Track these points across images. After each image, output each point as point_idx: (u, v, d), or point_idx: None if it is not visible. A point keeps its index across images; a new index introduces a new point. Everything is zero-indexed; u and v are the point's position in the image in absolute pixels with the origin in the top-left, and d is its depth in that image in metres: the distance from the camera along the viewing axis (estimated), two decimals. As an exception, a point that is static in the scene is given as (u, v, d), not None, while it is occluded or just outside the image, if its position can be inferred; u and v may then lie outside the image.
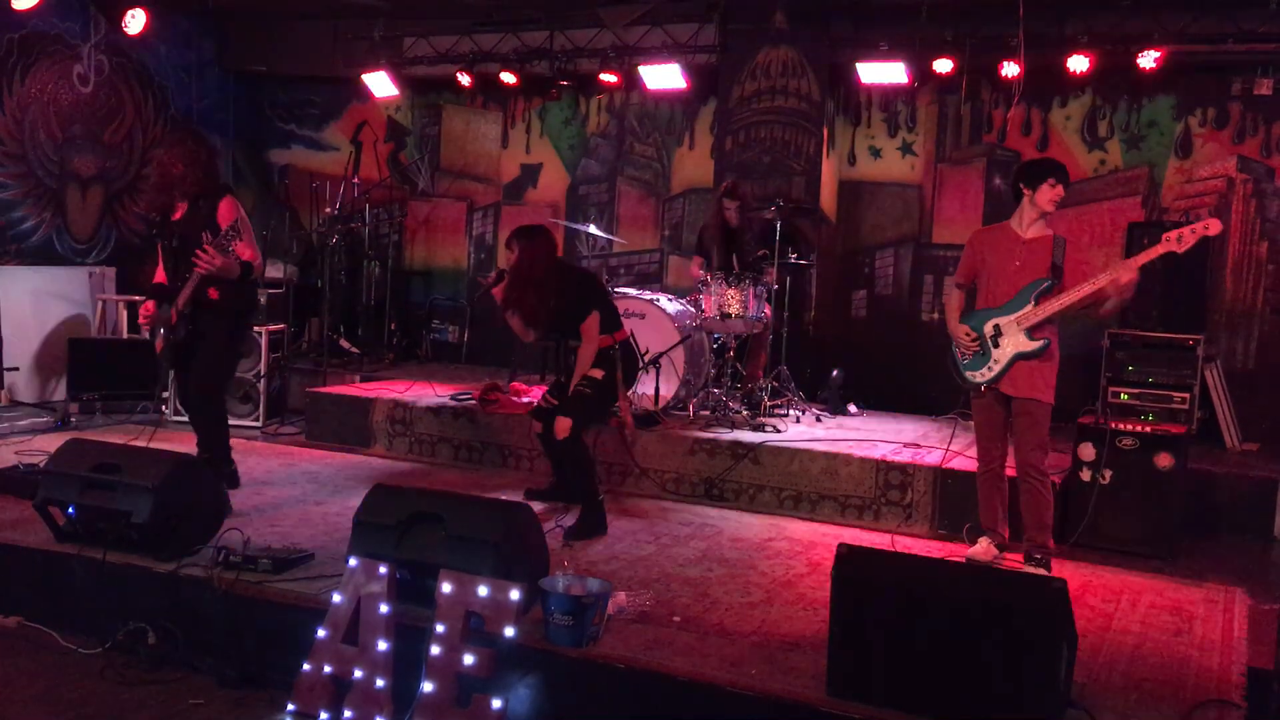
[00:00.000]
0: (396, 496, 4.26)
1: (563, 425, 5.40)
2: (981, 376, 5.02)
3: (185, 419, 6.09)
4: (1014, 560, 5.14)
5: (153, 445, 5.31)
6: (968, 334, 5.04)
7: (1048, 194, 4.94)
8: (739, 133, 8.54)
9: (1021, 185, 5.04)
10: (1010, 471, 5.23)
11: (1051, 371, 4.98)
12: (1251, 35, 7.09)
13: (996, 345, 4.96)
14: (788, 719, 3.50)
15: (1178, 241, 4.63)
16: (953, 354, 5.14)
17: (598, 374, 5.55)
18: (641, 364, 6.31)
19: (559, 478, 6.00)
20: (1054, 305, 4.84)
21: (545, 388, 6.15)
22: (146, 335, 5.80)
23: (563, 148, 9.90)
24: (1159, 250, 4.66)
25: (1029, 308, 4.89)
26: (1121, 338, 7.04)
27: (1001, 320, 4.95)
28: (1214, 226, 4.63)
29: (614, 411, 5.91)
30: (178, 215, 5.59)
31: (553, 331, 5.87)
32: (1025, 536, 5.11)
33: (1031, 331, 4.88)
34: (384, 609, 3.78)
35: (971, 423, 5.35)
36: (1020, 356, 4.90)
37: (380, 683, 3.71)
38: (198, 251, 5.28)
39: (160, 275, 5.69)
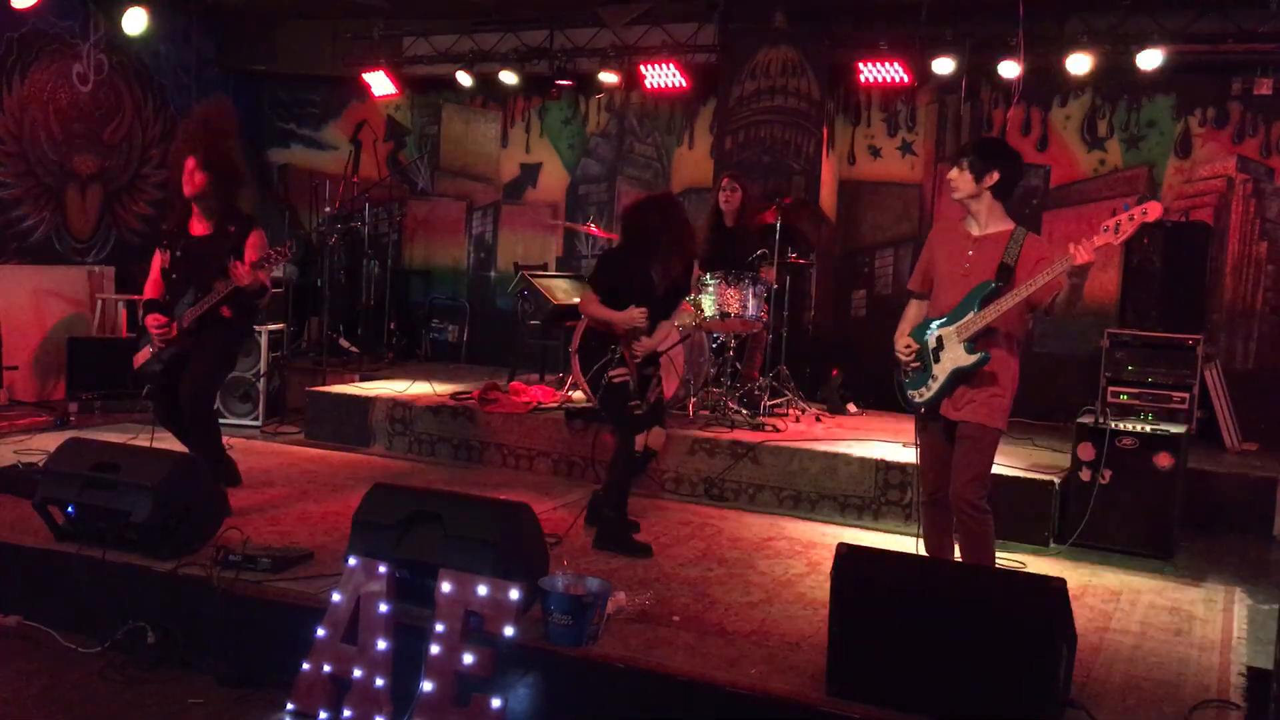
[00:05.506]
0: (396, 496, 4.26)
1: (657, 436, 5.28)
2: (920, 396, 4.27)
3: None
4: None
5: (152, 444, 5.30)
6: (907, 347, 4.29)
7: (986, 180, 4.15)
8: (738, 132, 8.53)
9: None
10: None
11: (1004, 393, 4.15)
12: (1251, 35, 7.10)
13: (937, 360, 4.20)
14: (787, 719, 3.50)
15: (1115, 231, 3.93)
16: (897, 371, 4.39)
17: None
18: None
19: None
20: (993, 311, 4.06)
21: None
22: (151, 350, 5.51)
23: (562, 147, 9.90)
24: (1098, 242, 3.93)
25: (971, 315, 4.11)
26: (1121, 337, 7.03)
27: (944, 331, 4.19)
28: (1153, 210, 3.93)
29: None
30: (199, 231, 5.48)
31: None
32: None
33: (973, 343, 4.10)
34: (383, 608, 3.78)
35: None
36: (958, 373, 4.13)
37: (379, 682, 3.71)
38: (235, 264, 5.20)
39: (153, 287, 5.59)
